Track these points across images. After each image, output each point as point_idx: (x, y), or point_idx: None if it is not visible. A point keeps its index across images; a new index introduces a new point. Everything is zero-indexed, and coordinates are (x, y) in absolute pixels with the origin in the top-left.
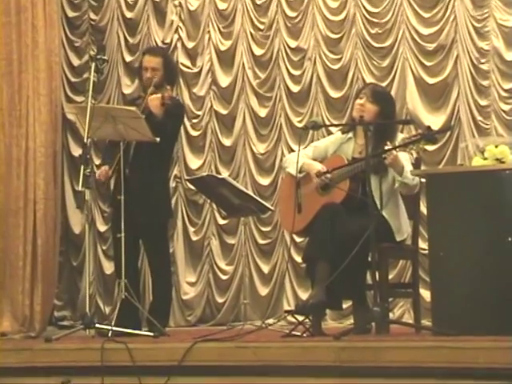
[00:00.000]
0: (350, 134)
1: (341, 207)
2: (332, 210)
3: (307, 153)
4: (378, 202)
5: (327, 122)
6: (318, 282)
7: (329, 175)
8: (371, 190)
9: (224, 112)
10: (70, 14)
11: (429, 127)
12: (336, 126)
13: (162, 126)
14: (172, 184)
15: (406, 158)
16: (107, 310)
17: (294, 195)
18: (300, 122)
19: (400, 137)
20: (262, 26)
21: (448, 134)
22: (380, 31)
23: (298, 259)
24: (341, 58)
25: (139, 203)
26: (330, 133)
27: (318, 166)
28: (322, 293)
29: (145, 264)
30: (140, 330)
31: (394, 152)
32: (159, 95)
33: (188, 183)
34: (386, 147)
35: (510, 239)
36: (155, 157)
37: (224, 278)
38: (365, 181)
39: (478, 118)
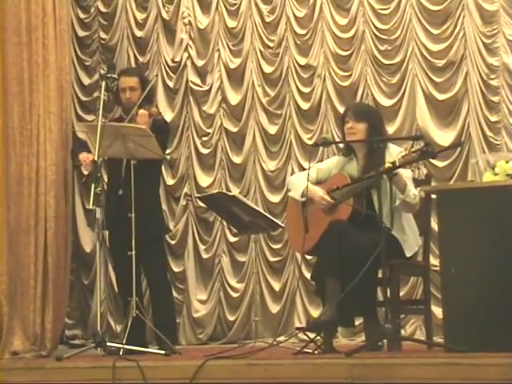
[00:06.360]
0: (352, 155)
1: (347, 224)
2: (338, 227)
3: (311, 174)
4: (385, 219)
5: (337, 139)
6: (328, 299)
7: (334, 193)
8: (380, 207)
9: (234, 129)
10: (81, 33)
11: (428, 143)
12: (346, 142)
13: None
14: (182, 202)
15: (407, 176)
16: (118, 328)
17: (301, 216)
18: (310, 139)
19: (398, 151)
20: (271, 44)
21: (458, 149)
22: (389, 48)
23: (309, 276)
24: (350, 75)
25: (135, 220)
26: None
27: (320, 192)
28: (333, 310)
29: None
30: (146, 348)
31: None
32: (145, 112)
33: (198, 201)
34: (387, 165)
35: None
36: (146, 173)
37: (235, 295)
38: (369, 198)
39: (489, 133)
